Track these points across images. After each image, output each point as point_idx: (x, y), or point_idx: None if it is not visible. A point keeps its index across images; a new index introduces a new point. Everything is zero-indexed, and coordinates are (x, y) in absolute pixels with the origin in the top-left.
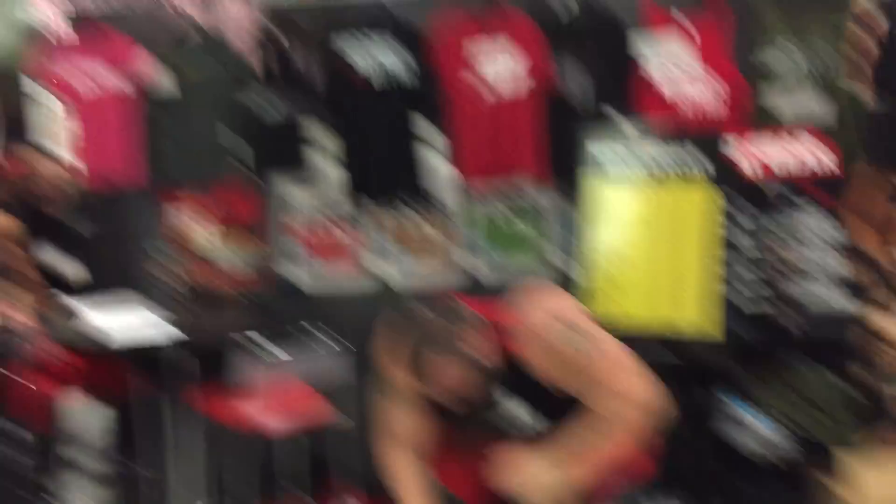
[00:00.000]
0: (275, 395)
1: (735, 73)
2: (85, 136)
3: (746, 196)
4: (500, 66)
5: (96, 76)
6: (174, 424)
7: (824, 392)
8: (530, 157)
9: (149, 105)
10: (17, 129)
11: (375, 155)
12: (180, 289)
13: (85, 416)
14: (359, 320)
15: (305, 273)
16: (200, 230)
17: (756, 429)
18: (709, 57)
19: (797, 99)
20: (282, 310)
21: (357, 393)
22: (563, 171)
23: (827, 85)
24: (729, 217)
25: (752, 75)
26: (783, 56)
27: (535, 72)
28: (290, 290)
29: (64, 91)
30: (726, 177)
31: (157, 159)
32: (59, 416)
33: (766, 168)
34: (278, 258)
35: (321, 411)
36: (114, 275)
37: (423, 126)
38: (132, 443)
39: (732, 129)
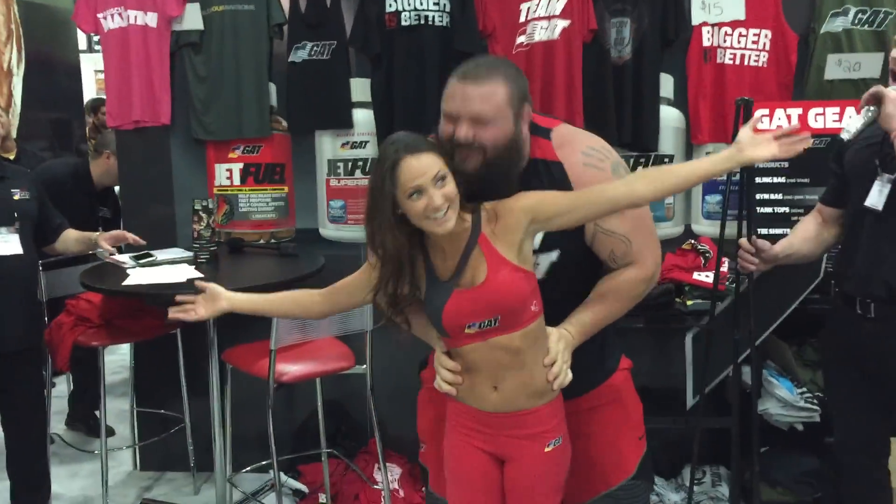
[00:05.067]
0: (297, 343)
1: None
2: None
3: None
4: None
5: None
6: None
7: None
8: (563, 100)
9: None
10: None
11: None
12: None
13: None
14: None
15: (328, 220)
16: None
17: (781, 393)
18: None
19: None
20: (304, 258)
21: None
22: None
23: None
24: None
25: None
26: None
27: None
28: (312, 238)
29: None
30: None
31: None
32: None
33: None
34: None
35: (343, 360)
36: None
37: None
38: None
39: None
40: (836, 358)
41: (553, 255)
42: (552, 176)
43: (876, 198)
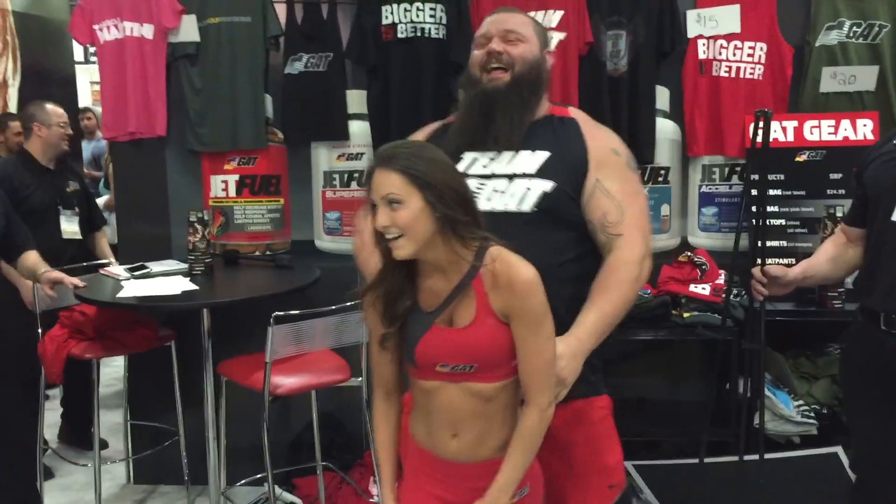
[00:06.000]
0: (292, 355)
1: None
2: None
3: None
4: None
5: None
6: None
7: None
8: None
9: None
10: None
11: (401, 107)
12: (205, 248)
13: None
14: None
15: (324, 232)
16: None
17: (778, 407)
18: None
19: None
20: (300, 270)
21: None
22: None
23: None
24: None
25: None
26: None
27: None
28: (307, 249)
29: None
30: None
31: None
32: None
33: None
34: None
35: (339, 372)
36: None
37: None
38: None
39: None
40: (856, 373)
41: (547, 186)
42: (564, 127)
43: None
